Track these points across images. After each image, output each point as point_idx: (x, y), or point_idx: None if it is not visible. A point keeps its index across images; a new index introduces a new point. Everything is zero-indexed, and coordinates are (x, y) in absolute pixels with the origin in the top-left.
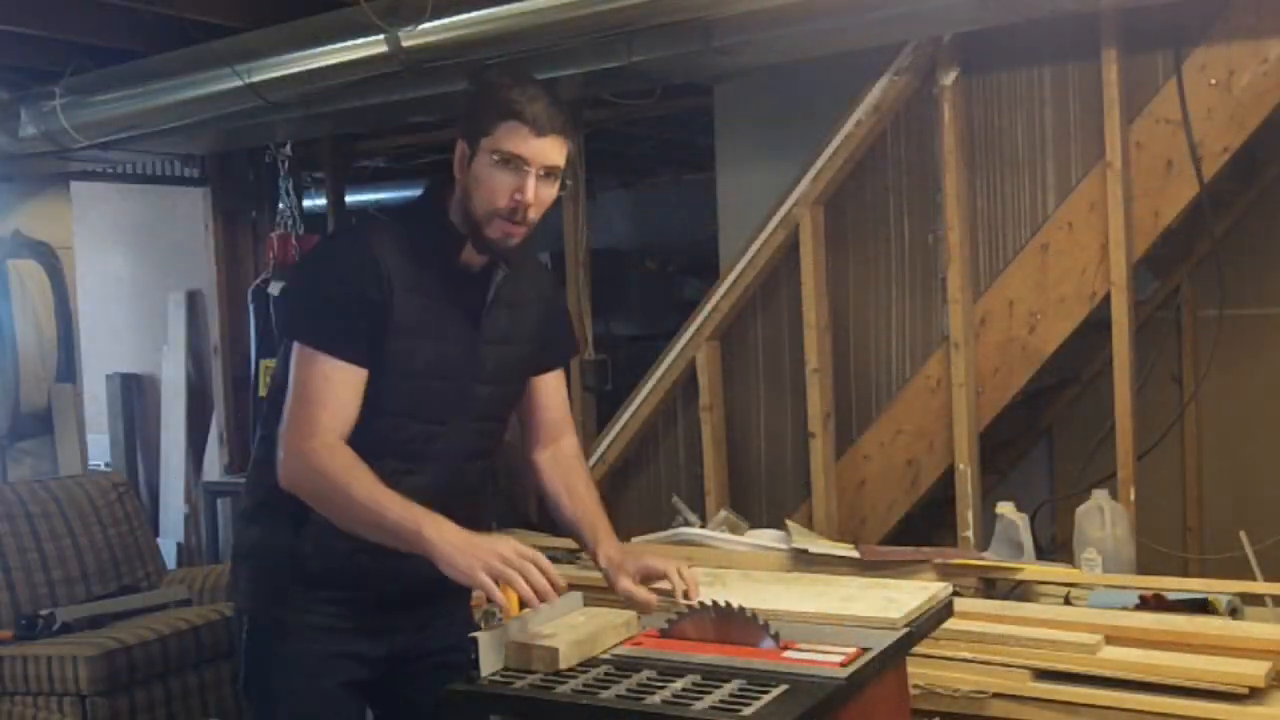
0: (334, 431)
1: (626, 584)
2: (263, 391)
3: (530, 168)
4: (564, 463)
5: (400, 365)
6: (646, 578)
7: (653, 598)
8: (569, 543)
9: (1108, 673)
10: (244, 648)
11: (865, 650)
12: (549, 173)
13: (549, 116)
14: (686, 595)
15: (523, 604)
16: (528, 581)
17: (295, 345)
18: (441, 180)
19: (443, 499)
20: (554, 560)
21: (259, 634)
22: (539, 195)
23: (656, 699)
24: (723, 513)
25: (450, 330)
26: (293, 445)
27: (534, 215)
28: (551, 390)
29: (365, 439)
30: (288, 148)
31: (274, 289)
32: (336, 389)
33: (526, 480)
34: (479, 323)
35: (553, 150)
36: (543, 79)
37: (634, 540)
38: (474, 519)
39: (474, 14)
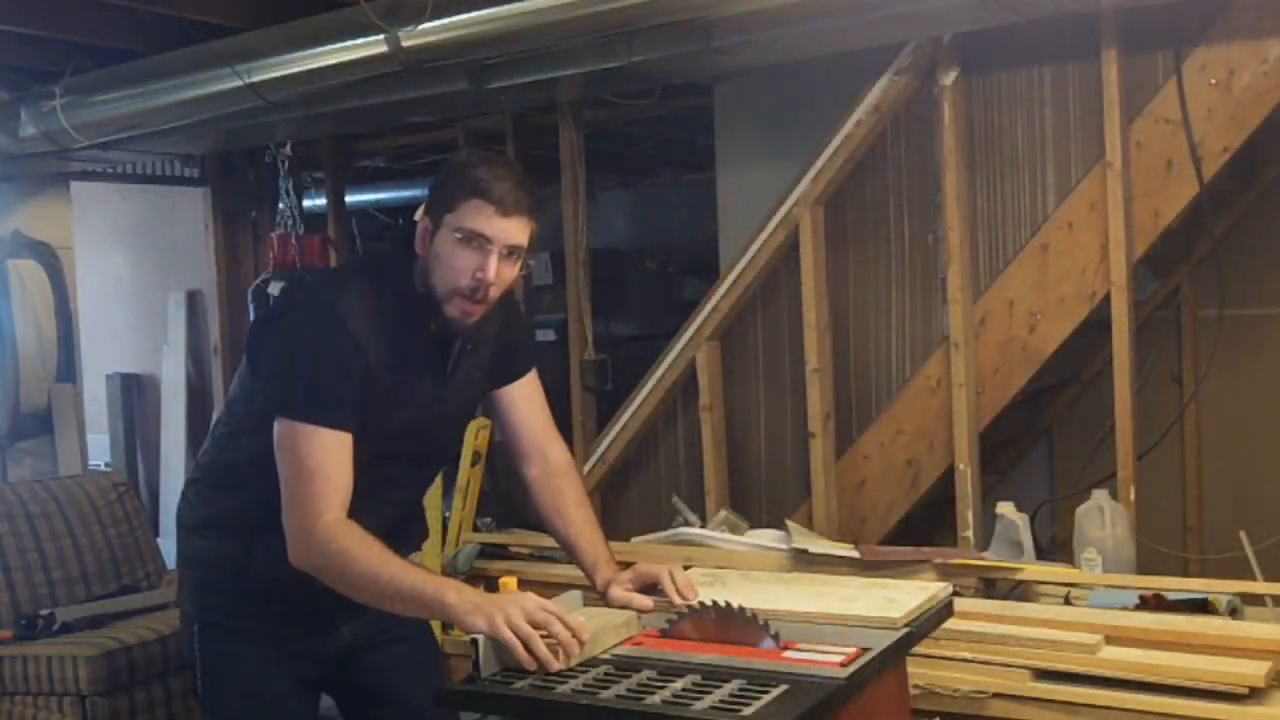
0: (339, 504)
1: (619, 591)
2: None
3: (493, 246)
4: (552, 482)
5: (372, 428)
6: (641, 584)
7: (648, 601)
8: None
9: (1108, 673)
10: (196, 653)
11: (865, 650)
12: (511, 252)
13: (515, 198)
14: (682, 597)
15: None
16: (551, 634)
17: (284, 421)
18: (402, 248)
19: (393, 528)
20: (553, 560)
21: (209, 639)
22: (500, 274)
23: (656, 699)
24: (723, 513)
25: (420, 392)
26: (304, 524)
27: (494, 294)
28: (527, 404)
29: None
30: (288, 148)
31: (274, 289)
32: (335, 460)
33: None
34: (445, 381)
35: (516, 230)
36: (512, 161)
37: (633, 540)
38: (409, 537)
39: (474, 14)
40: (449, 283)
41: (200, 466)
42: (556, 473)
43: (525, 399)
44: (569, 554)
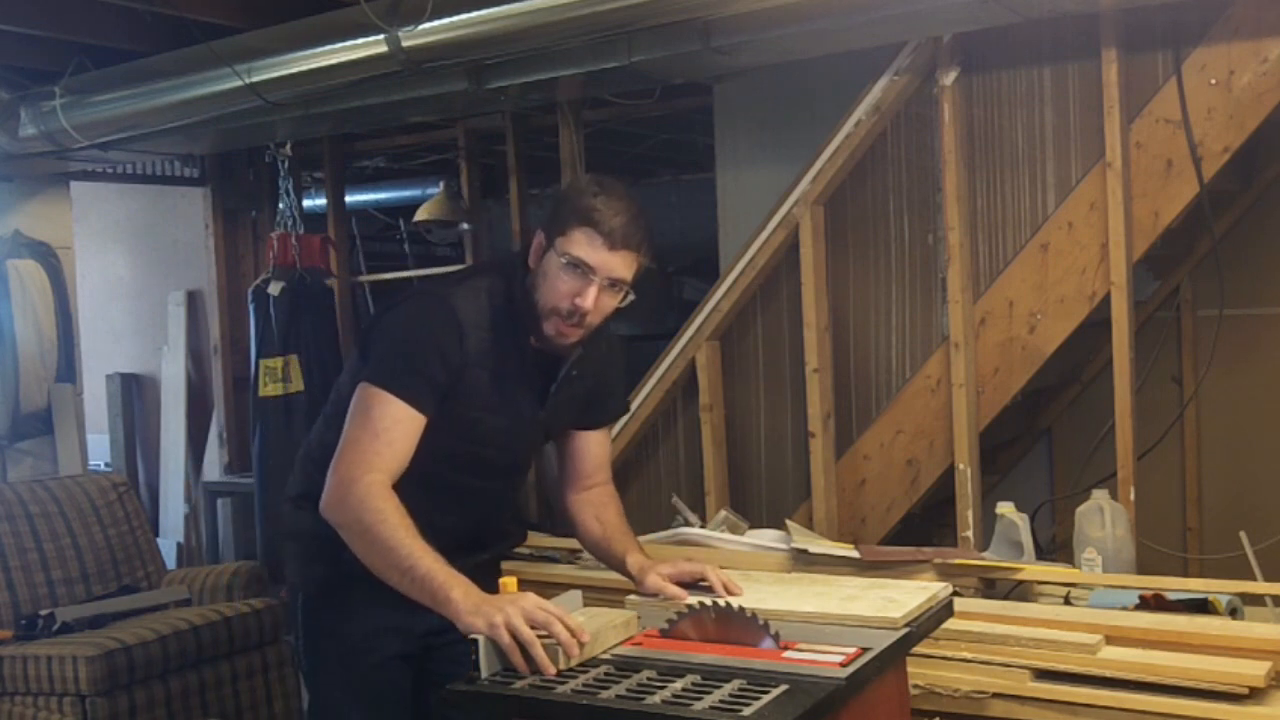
0: (390, 472)
1: (656, 579)
2: (263, 391)
3: (595, 276)
4: (597, 498)
5: (465, 432)
6: (679, 578)
7: (683, 592)
8: (569, 543)
9: (1108, 673)
10: (299, 621)
11: (865, 650)
12: (614, 284)
13: (625, 233)
14: (729, 591)
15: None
16: (550, 635)
17: (368, 385)
18: (520, 259)
19: (470, 537)
20: (554, 560)
21: (310, 609)
22: (599, 303)
23: (656, 699)
24: (723, 513)
25: (516, 407)
26: (352, 473)
27: (591, 321)
28: (594, 442)
29: (415, 477)
30: (288, 148)
31: (274, 289)
32: (402, 432)
33: (553, 504)
34: (544, 401)
35: (622, 264)
36: (630, 194)
37: None
38: (498, 539)
39: (474, 14)
40: (548, 302)
41: (308, 442)
42: (603, 492)
43: (595, 439)
44: (600, 549)
